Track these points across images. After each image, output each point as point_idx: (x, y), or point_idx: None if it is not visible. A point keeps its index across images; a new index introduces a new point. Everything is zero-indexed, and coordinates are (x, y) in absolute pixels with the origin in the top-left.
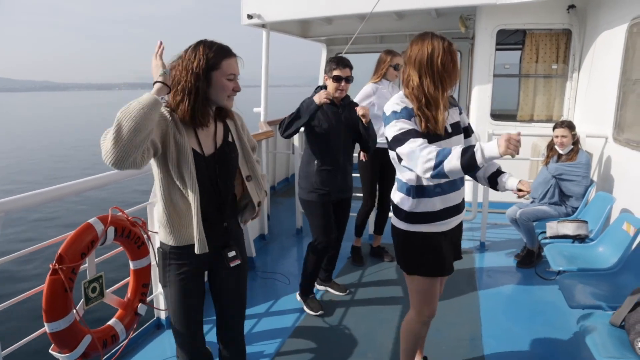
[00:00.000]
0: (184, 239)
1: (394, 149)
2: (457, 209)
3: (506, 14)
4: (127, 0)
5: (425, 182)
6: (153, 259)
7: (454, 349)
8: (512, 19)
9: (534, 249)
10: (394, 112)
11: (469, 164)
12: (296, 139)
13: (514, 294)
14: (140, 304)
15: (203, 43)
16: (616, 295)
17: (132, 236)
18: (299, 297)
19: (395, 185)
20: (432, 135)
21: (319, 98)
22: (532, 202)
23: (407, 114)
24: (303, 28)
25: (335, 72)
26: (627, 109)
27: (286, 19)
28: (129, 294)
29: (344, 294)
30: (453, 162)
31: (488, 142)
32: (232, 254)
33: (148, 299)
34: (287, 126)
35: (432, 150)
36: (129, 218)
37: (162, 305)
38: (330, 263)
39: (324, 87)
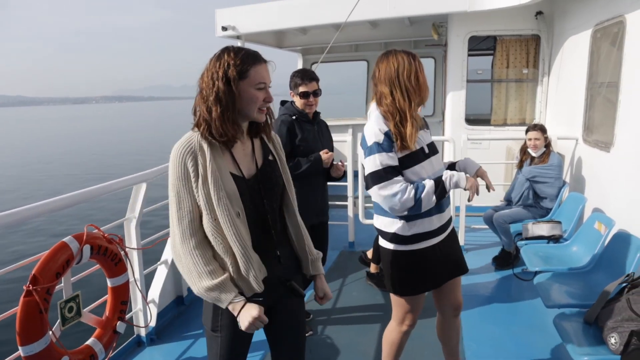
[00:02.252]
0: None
1: (371, 185)
2: (449, 221)
3: (477, 21)
4: (103, 12)
5: None
6: (131, 275)
7: (435, 353)
8: (483, 26)
9: (511, 250)
10: (377, 144)
11: (441, 195)
12: None
13: (493, 296)
14: (119, 322)
15: (228, 50)
16: (590, 293)
17: (108, 253)
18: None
19: (377, 209)
20: (411, 157)
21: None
22: (507, 205)
23: (388, 145)
24: (278, 38)
25: (302, 89)
26: (595, 111)
27: (261, 30)
28: (107, 313)
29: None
30: (430, 198)
31: (458, 174)
32: (294, 284)
33: (127, 316)
34: (297, 174)
35: (410, 191)
36: (105, 235)
37: (142, 322)
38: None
39: (291, 102)
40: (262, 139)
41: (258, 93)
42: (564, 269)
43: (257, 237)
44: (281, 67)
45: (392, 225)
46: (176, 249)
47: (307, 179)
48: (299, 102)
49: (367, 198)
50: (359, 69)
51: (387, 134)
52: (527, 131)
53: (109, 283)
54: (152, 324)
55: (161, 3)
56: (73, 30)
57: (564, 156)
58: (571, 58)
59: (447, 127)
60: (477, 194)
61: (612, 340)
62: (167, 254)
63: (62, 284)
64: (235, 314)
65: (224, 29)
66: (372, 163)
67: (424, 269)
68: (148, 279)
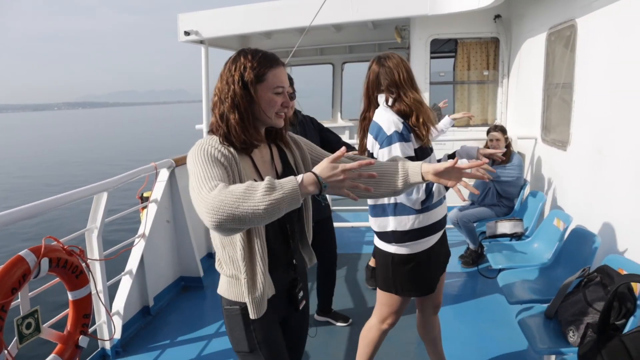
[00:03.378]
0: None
1: None
2: (445, 218)
3: (438, 24)
4: (62, 16)
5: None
6: (93, 287)
7: (404, 352)
8: (444, 29)
9: (476, 249)
10: (398, 133)
11: None
12: None
13: (460, 294)
14: (81, 336)
15: (244, 52)
16: (550, 289)
17: (69, 266)
18: (320, 318)
19: (376, 211)
20: (423, 151)
21: None
22: (471, 205)
23: (408, 135)
24: (243, 43)
25: None
26: (552, 111)
27: (225, 35)
28: (68, 327)
29: (346, 323)
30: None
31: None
32: (301, 294)
33: (90, 329)
34: None
35: None
36: (65, 247)
37: (106, 335)
38: (328, 291)
39: None
40: (280, 147)
41: (276, 97)
42: (525, 266)
43: (276, 246)
44: None
45: (401, 223)
46: (207, 203)
47: None
48: None
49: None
50: (325, 72)
51: (405, 124)
52: (488, 132)
53: (70, 296)
54: (117, 336)
55: (122, 6)
56: (32, 35)
57: (524, 155)
58: (528, 60)
59: None
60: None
61: (571, 333)
62: (132, 264)
63: (19, 300)
64: (318, 188)
65: (187, 33)
66: (394, 152)
67: (422, 273)
68: (113, 290)
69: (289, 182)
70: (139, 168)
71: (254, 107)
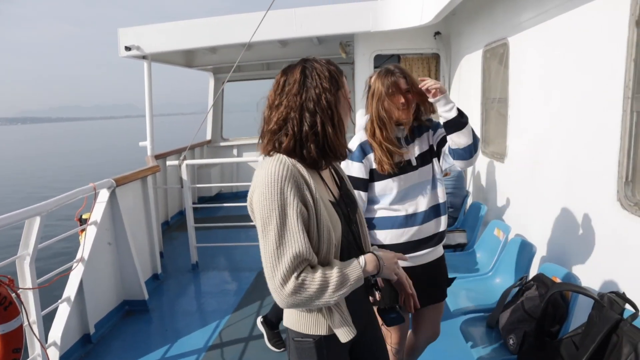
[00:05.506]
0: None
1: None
2: (434, 237)
3: (381, 40)
4: None
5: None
6: (25, 318)
7: None
8: (387, 45)
9: None
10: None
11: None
12: (184, 172)
13: None
14: None
15: (313, 60)
16: (492, 298)
17: None
18: (260, 326)
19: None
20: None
21: None
22: None
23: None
24: (187, 58)
25: None
26: (490, 125)
27: (169, 50)
28: None
29: (277, 350)
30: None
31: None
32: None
33: None
34: None
35: None
36: None
37: None
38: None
39: None
40: None
41: (349, 103)
42: (468, 276)
43: None
44: (192, 83)
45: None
46: (282, 299)
47: None
48: None
49: None
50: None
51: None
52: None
53: None
54: None
55: (63, 17)
56: None
57: None
58: (467, 75)
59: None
60: None
61: (510, 341)
62: (70, 290)
63: None
64: (378, 269)
65: (128, 48)
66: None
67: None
68: (49, 320)
69: (354, 271)
70: (76, 189)
71: (332, 117)
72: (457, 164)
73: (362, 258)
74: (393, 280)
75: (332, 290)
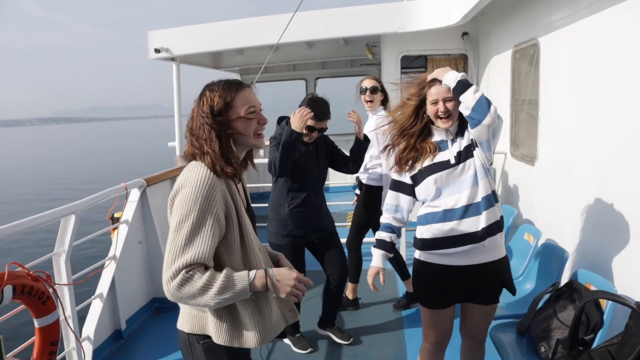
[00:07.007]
0: (272, 330)
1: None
2: (476, 236)
3: (407, 41)
4: (29, 31)
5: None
6: (61, 313)
7: None
8: (414, 46)
9: None
10: None
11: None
12: None
13: None
14: None
15: (208, 87)
16: (523, 303)
17: (34, 292)
18: (321, 331)
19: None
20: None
21: (299, 123)
22: None
23: None
24: (215, 59)
25: (309, 123)
26: (520, 127)
27: (197, 52)
28: (34, 355)
29: (347, 342)
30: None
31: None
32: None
33: (59, 357)
34: (279, 168)
35: None
36: (30, 273)
37: None
38: (332, 305)
39: (287, 120)
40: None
41: (251, 118)
42: None
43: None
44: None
45: (417, 230)
46: (170, 287)
47: (306, 196)
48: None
49: None
50: (300, 88)
51: None
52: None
53: (36, 324)
54: None
55: (96, 21)
56: (2, 49)
57: (495, 170)
58: (496, 76)
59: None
60: None
61: (542, 349)
62: (103, 287)
63: None
64: (266, 287)
65: (157, 51)
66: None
67: (430, 283)
68: (83, 315)
69: (240, 282)
70: (109, 189)
71: (231, 134)
72: (474, 134)
73: (253, 272)
74: (292, 300)
75: (215, 292)
